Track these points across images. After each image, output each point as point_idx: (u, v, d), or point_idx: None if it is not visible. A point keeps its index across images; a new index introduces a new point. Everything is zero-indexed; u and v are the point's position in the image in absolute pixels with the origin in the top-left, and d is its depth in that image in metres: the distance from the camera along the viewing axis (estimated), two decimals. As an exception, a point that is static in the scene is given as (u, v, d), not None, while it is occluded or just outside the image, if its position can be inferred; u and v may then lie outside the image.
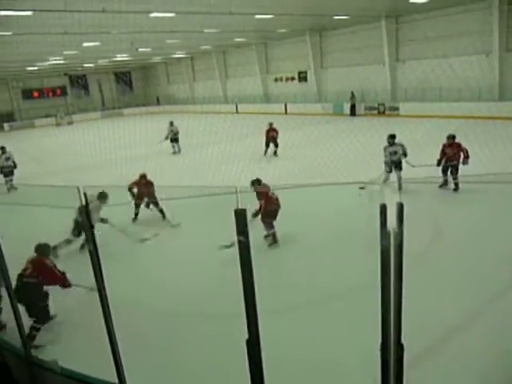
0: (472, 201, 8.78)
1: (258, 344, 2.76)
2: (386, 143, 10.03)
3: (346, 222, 7.81)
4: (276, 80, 32.89)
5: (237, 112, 33.69)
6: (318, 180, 9.65)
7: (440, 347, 4.38)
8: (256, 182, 7.47)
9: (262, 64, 33.32)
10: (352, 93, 25.56)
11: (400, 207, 2.25)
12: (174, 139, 17.96)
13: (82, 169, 14.87)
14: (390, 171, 9.82)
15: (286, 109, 30.03)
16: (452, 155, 9.40)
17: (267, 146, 15.38)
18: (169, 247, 7.73)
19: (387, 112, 23.92)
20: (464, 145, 9.50)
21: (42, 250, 5.34)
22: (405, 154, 9.71)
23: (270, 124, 15.50)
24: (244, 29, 23.70)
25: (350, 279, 5.73)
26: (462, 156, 9.32)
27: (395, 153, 9.71)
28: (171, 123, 18.13)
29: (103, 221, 7.62)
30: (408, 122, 19.43)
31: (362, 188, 9.26)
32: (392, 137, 9.93)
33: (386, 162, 9.85)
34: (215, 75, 37.73)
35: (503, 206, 8.06)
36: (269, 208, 7.12)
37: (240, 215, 2.49)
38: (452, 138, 9.62)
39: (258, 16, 19.44)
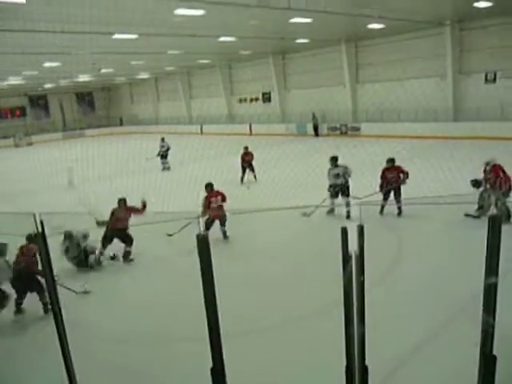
0: (417, 225, 8.64)
1: (223, 372, 2.71)
2: (347, 163, 9.86)
3: (304, 244, 7.89)
4: (240, 101, 33.22)
5: (201, 133, 33.70)
6: (278, 203, 9.63)
7: (401, 369, 4.42)
8: (208, 186, 8.53)
9: (226, 85, 33.62)
10: (313, 114, 26.06)
11: (360, 230, 2.29)
12: (165, 155, 18.20)
13: (41, 192, 14.31)
14: (336, 196, 9.62)
15: (250, 129, 30.29)
16: (393, 179, 9.26)
17: (244, 171, 14.35)
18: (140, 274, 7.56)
19: (349, 132, 24.55)
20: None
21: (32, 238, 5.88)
22: (348, 175, 9.52)
23: (246, 148, 14.57)
24: (208, 50, 23.96)
25: (309, 302, 5.71)
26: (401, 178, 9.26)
27: (338, 175, 9.50)
28: (162, 139, 18.48)
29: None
30: (368, 142, 20.03)
31: (305, 215, 9.27)
32: (334, 159, 9.76)
33: (330, 186, 9.61)
34: (179, 96, 37.75)
35: (449, 228, 8.18)
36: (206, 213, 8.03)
37: (201, 241, 2.46)
38: (391, 161, 9.50)
39: (221, 38, 19.70)
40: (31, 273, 5.95)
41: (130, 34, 16.37)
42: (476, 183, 8.37)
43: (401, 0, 14.70)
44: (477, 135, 18.24)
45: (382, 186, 9.41)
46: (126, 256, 7.90)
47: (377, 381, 3.52)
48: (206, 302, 2.49)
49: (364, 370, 2.55)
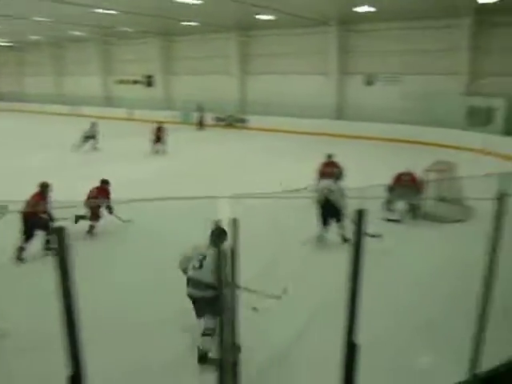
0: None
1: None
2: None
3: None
4: (120, 82, 31.81)
5: (75, 115, 31.53)
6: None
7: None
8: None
9: (102, 63, 31.83)
10: (198, 104, 25.41)
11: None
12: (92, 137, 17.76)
13: None
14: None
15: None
16: (328, 174, 9.27)
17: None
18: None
19: (236, 124, 25.02)
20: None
21: None
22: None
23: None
24: (82, 21, 22.44)
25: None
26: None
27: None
28: (93, 124, 17.81)
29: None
30: (255, 135, 20.73)
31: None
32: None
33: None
34: (48, 71, 34.83)
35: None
36: None
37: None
38: (330, 157, 10.18)
39: (98, 10, 18.60)
40: None
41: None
42: (391, 189, 9.35)
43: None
44: (358, 134, 19.99)
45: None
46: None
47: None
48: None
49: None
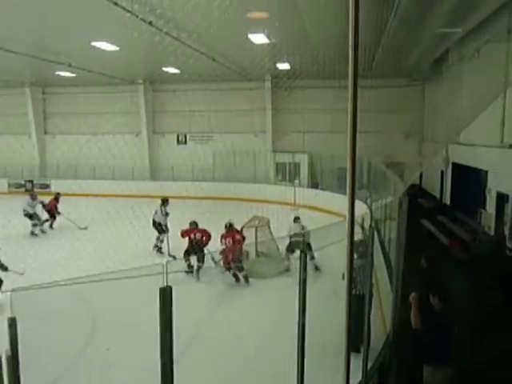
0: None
1: None
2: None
3: None
4: None
5: None
6: None
7: None
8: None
9: None
10: None
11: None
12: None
13: None
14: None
15: None
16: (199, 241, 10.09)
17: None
18: None
19: (37, 190, 22.55)
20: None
21: None
22: None
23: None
24: None
25: None
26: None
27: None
28: None
29: None
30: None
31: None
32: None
33: None
34: None
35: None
36: None
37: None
38: (192, 224, 10.32)
39: None
40: None
41: None
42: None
43: (84, 51, 14.51)
44: (173, 195, 19.72)
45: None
46: None
47: None
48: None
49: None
